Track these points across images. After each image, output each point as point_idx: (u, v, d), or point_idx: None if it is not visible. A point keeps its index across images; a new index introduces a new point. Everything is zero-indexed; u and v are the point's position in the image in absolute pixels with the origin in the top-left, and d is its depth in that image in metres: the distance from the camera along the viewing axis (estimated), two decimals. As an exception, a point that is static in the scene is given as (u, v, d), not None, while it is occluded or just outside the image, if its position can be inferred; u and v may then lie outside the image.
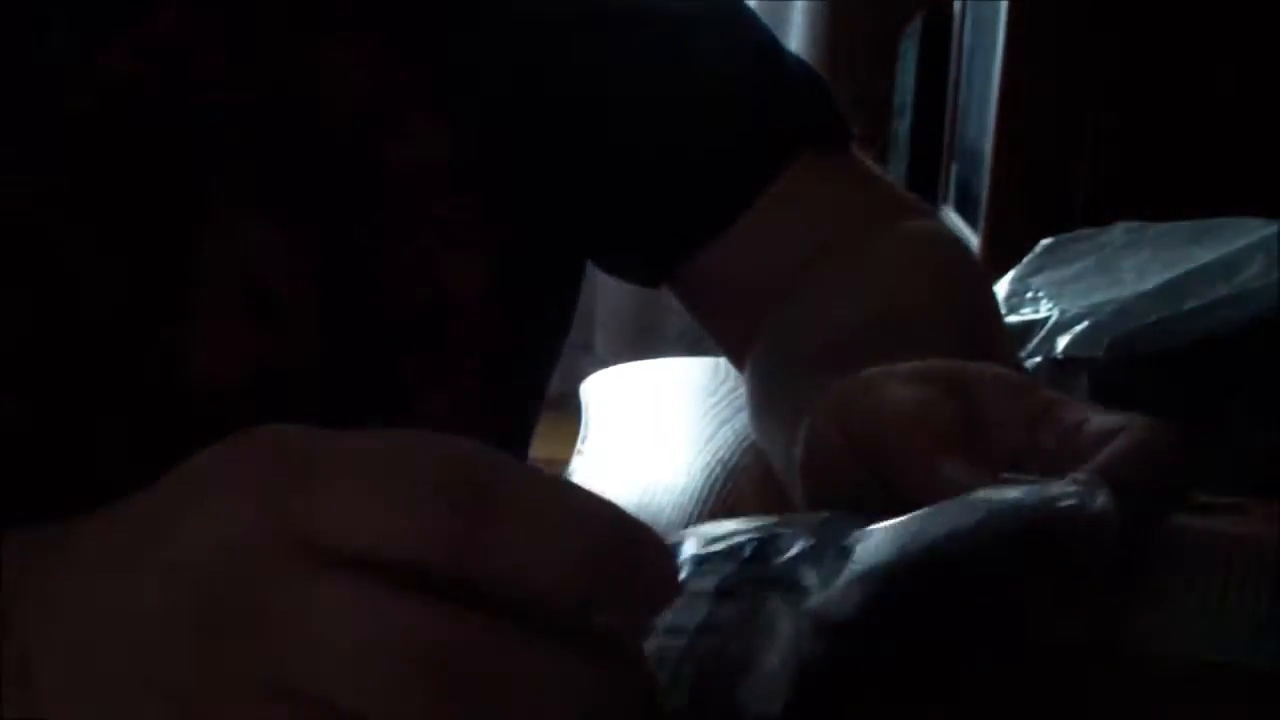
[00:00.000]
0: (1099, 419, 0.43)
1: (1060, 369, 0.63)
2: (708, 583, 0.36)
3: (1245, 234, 0.69)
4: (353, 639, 0.27)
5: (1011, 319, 0.70)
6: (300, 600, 0.27)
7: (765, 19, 0.66)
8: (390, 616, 0.27)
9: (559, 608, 0.28)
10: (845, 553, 0.36)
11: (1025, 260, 0.80)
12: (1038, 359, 0.65)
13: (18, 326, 0.47)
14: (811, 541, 0.37)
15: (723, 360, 0.70)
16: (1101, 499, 0.38)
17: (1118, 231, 0.79)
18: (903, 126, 2.65)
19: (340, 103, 0.52)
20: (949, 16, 2.37)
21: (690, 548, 0.38)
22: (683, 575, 0.36)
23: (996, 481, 0.40)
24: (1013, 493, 0.38)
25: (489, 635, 0.27)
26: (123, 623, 0.29)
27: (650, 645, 0.33)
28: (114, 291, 0.48)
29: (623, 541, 0.28)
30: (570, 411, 0.84)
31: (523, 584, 0.27)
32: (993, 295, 0.66)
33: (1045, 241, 0.81)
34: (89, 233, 0.48)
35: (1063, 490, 0.39)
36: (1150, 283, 0.66)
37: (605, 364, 0.96)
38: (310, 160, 0.52)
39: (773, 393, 0.57)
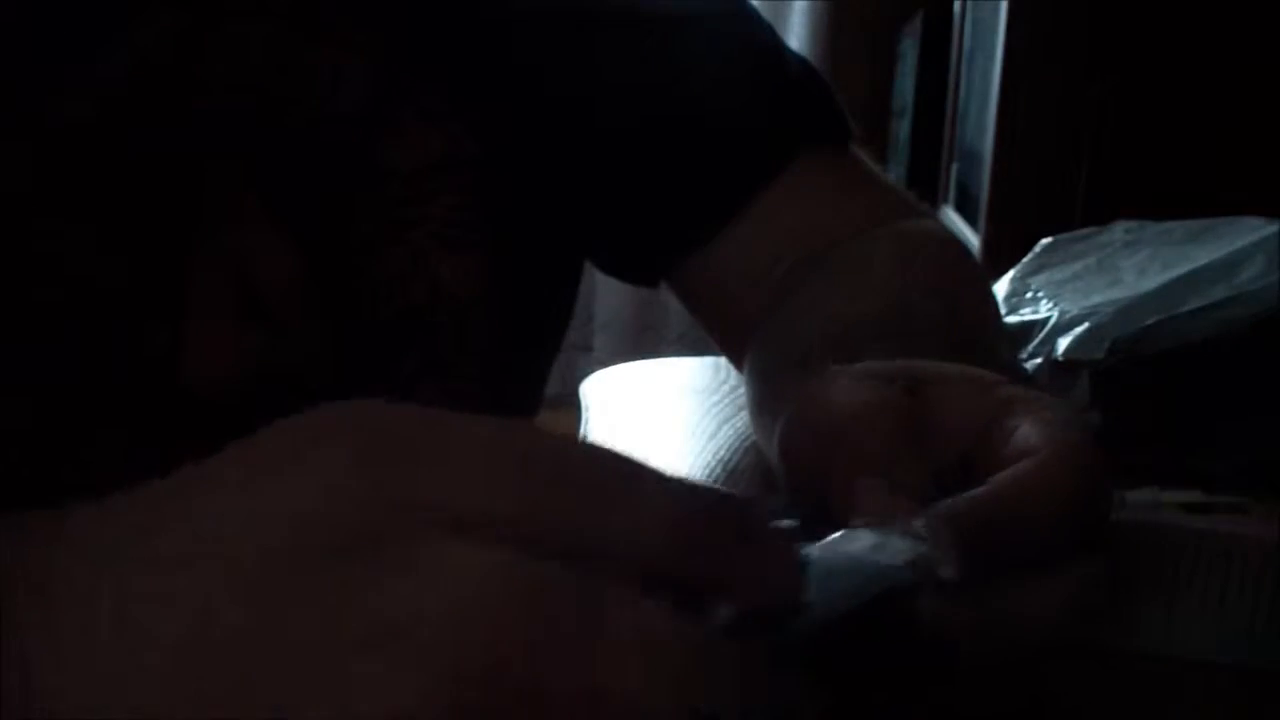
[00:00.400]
0: (1025, 431, 0.41)
1: (1061, 370, 0.63)
2: None
3: (1245, 234, 0.69)
4: (500, 596, 0.26)
5: (1011, 319, 0.70)
6: (434, 555, 0.26)
7: (765, 18, 0.66)
8: (531, 574, 0.26)
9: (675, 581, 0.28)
10: None
11: (1025, 260, 0.80)
12: (1038, 360, 0.65)
13: (14, 326, 0.47)
14: None
15: (723, 360, 0.70)
16: (939, 571, 0.36)
17: (1118, 231, 0.79)
18: (903, 127, 2.65)
19: (337, 103, 0.52)
20: (949, 16, 2.37)
21: None
22: None
23: (908, 509, 0.38)
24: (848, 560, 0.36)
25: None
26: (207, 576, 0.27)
27: None
28: (111, 291, 0.48)
29: (735, 521, 0.28)
30: (570, 411, 0.84)
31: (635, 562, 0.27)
32: (991, 295, 0.66)
33: (1045, 241, 0.81)
34: (87, 233, 0.48)
35: (890, 567, 0.36)
36: (1150, 283, 0.66)
37: (605, 364, 0.96)
38: (307, 160, 0.52)
39: (771, 392, 0.57)
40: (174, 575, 0.27)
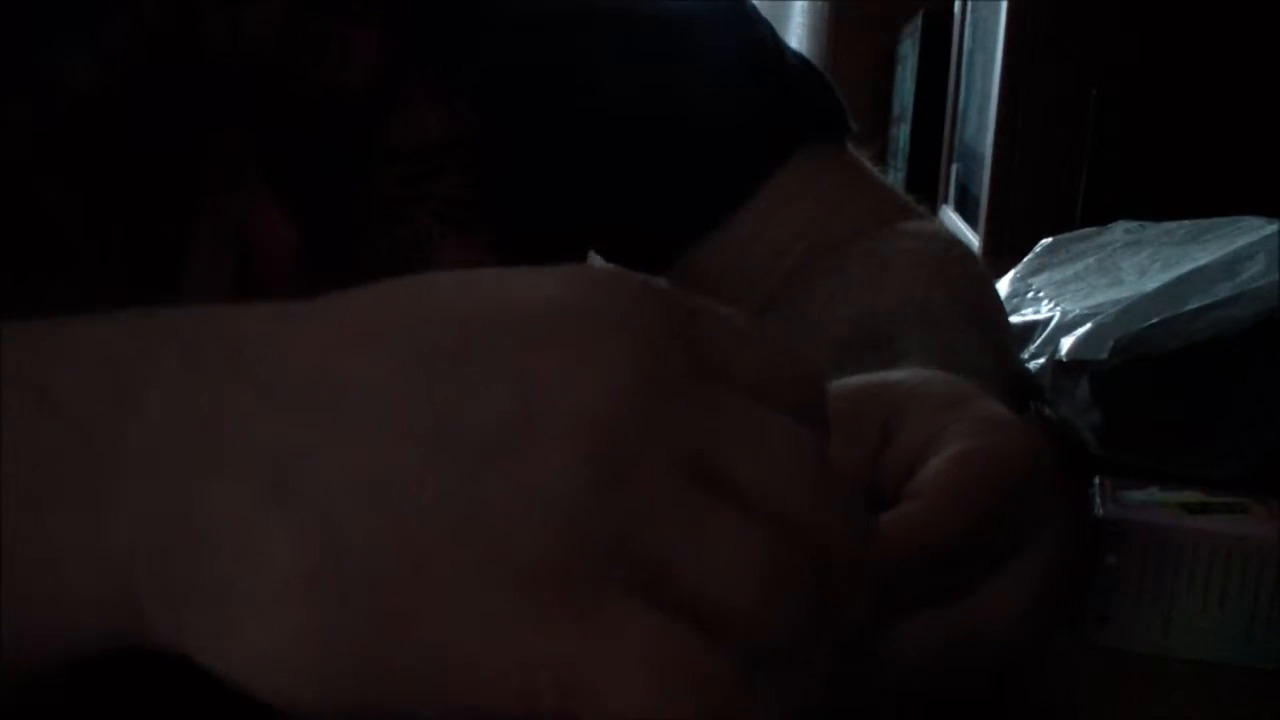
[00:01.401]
0: (937, 466, 0.39)
1: (1063, 371, 0.63)
2: None
3: (1245, 234, 0.69)
4: (794, 464, 0.27)
5: (1013, 319, 0.70)
6: (740, 406, 0.27)
7: (765, 17, 0.67)
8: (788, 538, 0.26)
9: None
10: None
11: (1025, 260, 0.80)
12: (1041, 360, 0.65)
13: (11, 293, 0.47)
14: None
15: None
16: None
17: (1118, 231, 0.79)
18: (903, 127, 2.65)
19: (342, 78, 0.52)
20: (949, 16, 2.37)
21: None
22: None
23: None
24: None
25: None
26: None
27: None
28: (109, 260, 0.48)
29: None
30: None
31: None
32: (998, 294, 0.66)
33: (1045, 241, 0.81)
34: (85, 201, 0.48)
35: None
36: (1151, 283, 0.66)
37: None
38: (310, 133, 0.51)
39: None
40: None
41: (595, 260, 0.66)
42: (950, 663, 0.38)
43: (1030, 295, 0.72)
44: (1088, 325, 0.64)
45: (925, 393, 0.43)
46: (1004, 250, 1.29)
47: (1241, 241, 0.68)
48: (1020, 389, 0.66)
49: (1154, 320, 0.62)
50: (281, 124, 0.51)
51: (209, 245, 0.50)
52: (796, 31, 2.88)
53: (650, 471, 0.26)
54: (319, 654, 0.25)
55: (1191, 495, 0.52)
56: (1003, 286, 0.76)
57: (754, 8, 0.66)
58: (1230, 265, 0.65)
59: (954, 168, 2.31)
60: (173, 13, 0.48)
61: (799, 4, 2.90)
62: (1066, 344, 0.64)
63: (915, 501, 0.38)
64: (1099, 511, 0.51)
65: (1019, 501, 0.39)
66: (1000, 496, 0.38)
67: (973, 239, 1.98)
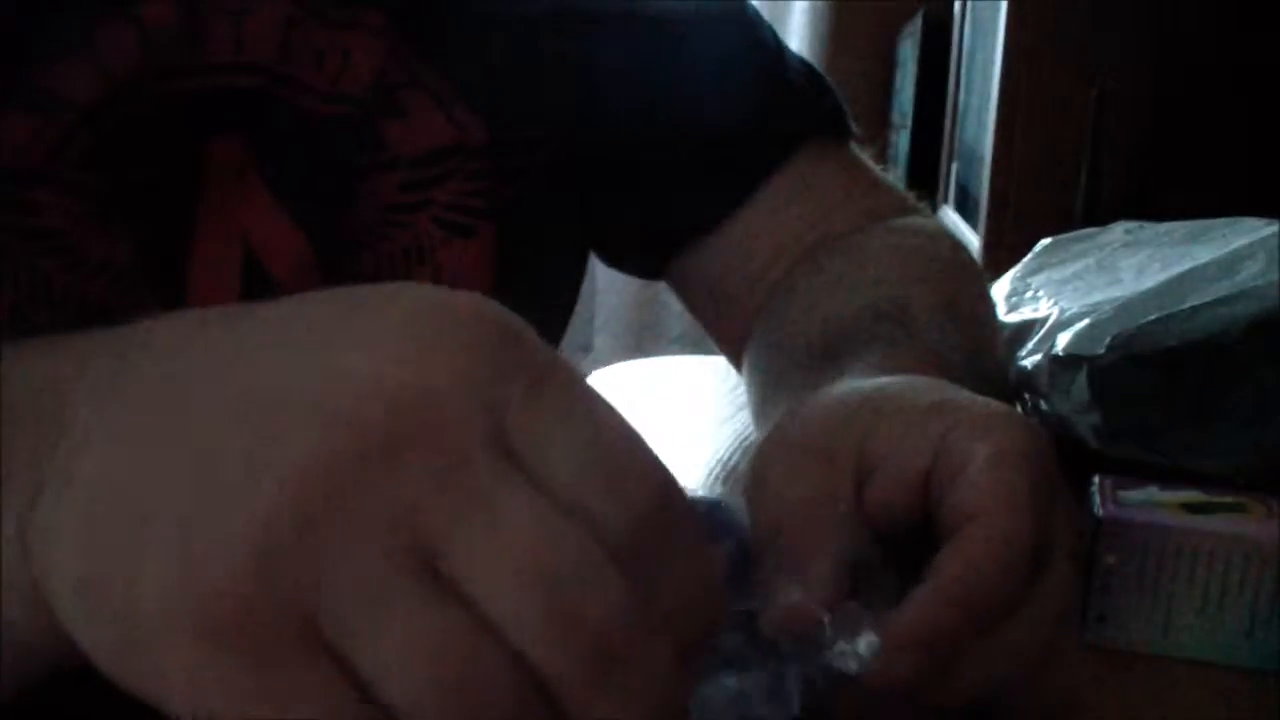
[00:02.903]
0: (968, 482, 0.39)
1: (1060, 366, 0.63)
2: None
3: (1245, 234, 0.69)
4: (528, 556, 0.26)
5: (1011, 318, 0.70)
6: (485, 486, 0.26)
7: (765, 18, 0.67)
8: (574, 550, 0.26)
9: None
10: None
11: (1025, 260, 0.80)
12: (1038, 356, 0.65)
13: (16, 299, 0.47)
14: None
15: (723, 360, 0.70)
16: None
17: (1118, 231, 0.79)
18: (902, 126, 2.65)
19: (343, 84, 0.52)
20: (949, 16, 2.37)
21: None
22: None
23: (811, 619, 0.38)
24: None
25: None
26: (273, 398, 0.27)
27: None
28: (113, 267, 0.48)
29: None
30: (570, 411, 0.84)
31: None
32: (987, 291, 0.66)
33: (1045, 241, 0.81)
34: (90, 210, 0.48)
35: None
36: (1150, 282, 0.66)
37: (605, 364, 0.96)
38: (312, 141, 0.52)
39: (772, 388, 0.57)
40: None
41: (595, 261, 0.66)
42: (993, 687, 0.39)
43: (1029, 294, 0.72)
44: (1085, 321, 0.64)
45: (899, 404, 0.43)
46: (1004, 250, 1.29)
47: (1240, 242, 0.67)
48: (1005, 386, 0.66)
49: (1152, 317, 0.62)
50: (283, 133, 0.51)
51: (213, 253, 0.50)
52: (796, 32, 2.88)
53: (352, 539, 0.26)
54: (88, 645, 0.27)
55: (1191, 495, 0.52)
56: (1002, 286, 0.76)
57: (755, 10, 0.66)
58: (1229, 264, 0.65)
59: (954, 168, 2.31)
60: (175, 24, 0.48)
61: (799, 4, 2.90)
62: (1063, 339, 0.64)
63: (977, 522, 0.38)
64: (1098, 511, 0.51)
65: (1054, 501, 0.40)
66: (1041, 530, 0.39)
67: (973, 239, 1.98)
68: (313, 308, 0.30)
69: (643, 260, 0.66)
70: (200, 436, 0.27)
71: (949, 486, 0.40)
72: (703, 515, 0.41)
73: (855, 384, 0.46)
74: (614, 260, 0.66)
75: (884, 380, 0.46)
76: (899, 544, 0.41)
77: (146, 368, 0.30)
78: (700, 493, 0.43)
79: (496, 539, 0.26)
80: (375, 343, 0.28)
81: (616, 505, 0.27)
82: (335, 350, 0.28)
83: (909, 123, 2.58)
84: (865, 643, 0.37)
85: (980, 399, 0.44)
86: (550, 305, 0.63)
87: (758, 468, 0.44)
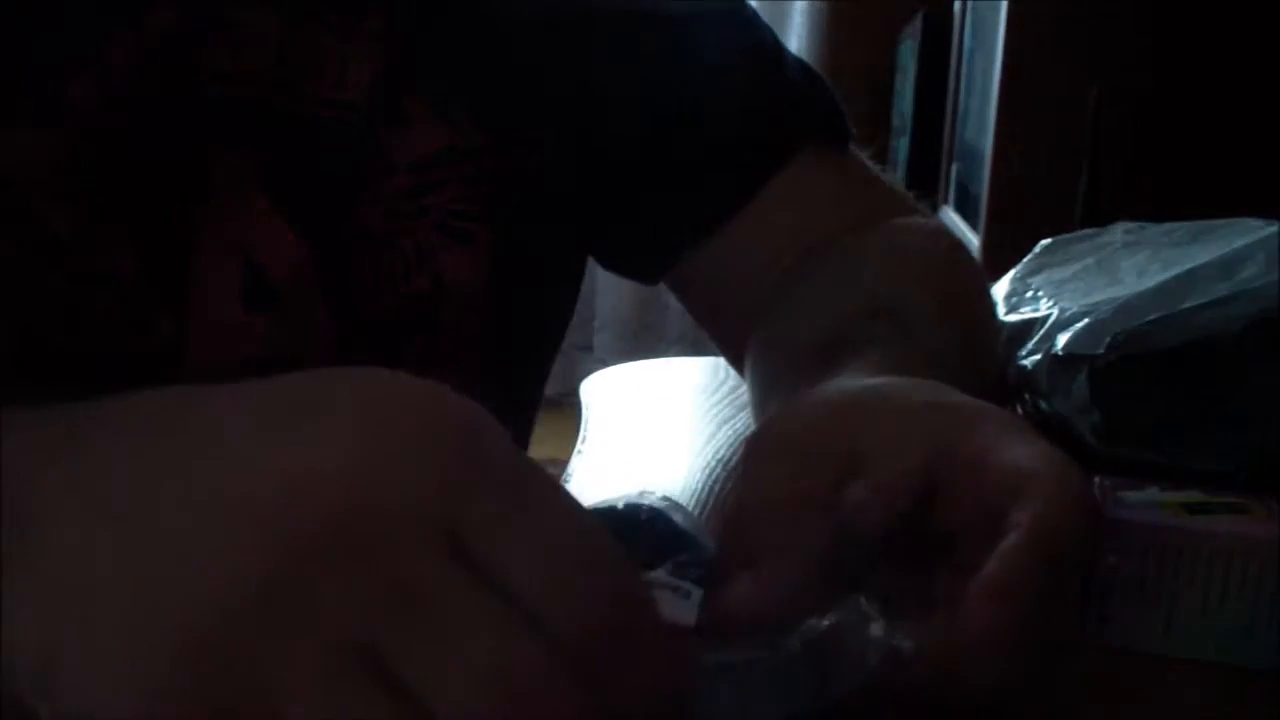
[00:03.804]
0: (1009, 481, 0.39)
1: (1060, 366, 0.63)
2: None
3: (1245, 234, 0.69)
4: (476, 659, 0.26)
5: (1011, 318, 0.70)
6: (432, 593, 0.26)
7: (765, 19, 0.67)
8: (514, 654, 0.26)
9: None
10: None
11: (1025, 260, 0.80)
12: (1037, 356, 0.65)
13: (19, 315, 0.47)
14: None
15: (723, 360, 0.70)
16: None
17: (1118, 231, 0.79)
18: (902, 127, 2.65)
19: (342, 92, 0.52)
20: (949, 16, 2.37)
21: None
22: None
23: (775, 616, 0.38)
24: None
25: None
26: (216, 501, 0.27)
27: None
28: (116, 280, 0.48)
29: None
30: (570, 411, 0.84)
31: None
32: (986, 289, 0.66)
33: (1045, 241, 0.81)
34: (92, 221, 0.48)
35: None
36: (1150, 282, 0.66)
37: (605, 364, 0.96)
38: (312, 149, 0.52)
39: (771, 389, 0.57)
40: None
41: (595, 264, 0.66)
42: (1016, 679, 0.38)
43: (1029, 294, 0.72)
44: (1084, 321, 0.64)
45: (893, 404, 0.43)
46: (1004, 250, 1.29)
47: (1240, 242, 0.67)
48: (1003, 385, 0.66)
49: (1152, 317, 0.62)
50: (282, 142, 0.51)
51: (215, 265, 0.50)
52: (796, 32, 2.88)
53: (295, 646, 0.26)
54: None
55: (1191, 495, 0.52)
56: (1002, 286, 0.76)
57: (754, 12, 0.66)
58: (1229, 265, 0.65)
59: (954, 168, 2.31)
60: (174, 35, 0.48)
61: (799, 4, 2.90)
62: (1063, 339, 0.64)
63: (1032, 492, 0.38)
64: (1098, 511, 0.51)
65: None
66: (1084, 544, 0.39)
67: (973, 239, 1.98)
68: (267, 398, 0.30)
69: (641, 264, 0.66)
70: (146, 538, 0.27)
71: (973, 497, 0.40)
72: (647, 523, 0.41)
73: (848, 383, 0.46)
74: (612, 264, 0.66)
75: (878, 380, 0.46)
76: (884, 545, 0.41)
77: (113, 460, 0.30)
78: (652, 498, 0.42)
79: (444, 645, 0.26)
80: (324, 444, 0.28)
81: (573, 611, 0.27)
82: (282, 450, 0.28)
83: (909, 127, 2.58)
84: (874, 632, 0.37)
85: (973, 400, 0.43)
86: (549, 309, 0.63)
87: (744, 463, 0.44)
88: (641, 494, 0.42)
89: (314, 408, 0.29)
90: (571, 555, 0.28)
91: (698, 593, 0.38)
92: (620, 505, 0.41)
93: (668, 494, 0.44)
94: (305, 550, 0.26)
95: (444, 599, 0.26)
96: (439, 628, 0.26)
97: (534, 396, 0.64)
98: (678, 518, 0.42)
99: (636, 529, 0.41)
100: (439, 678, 0.26)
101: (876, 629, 0.37)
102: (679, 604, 0.37)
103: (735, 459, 0.70)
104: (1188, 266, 0.66)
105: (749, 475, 0.44)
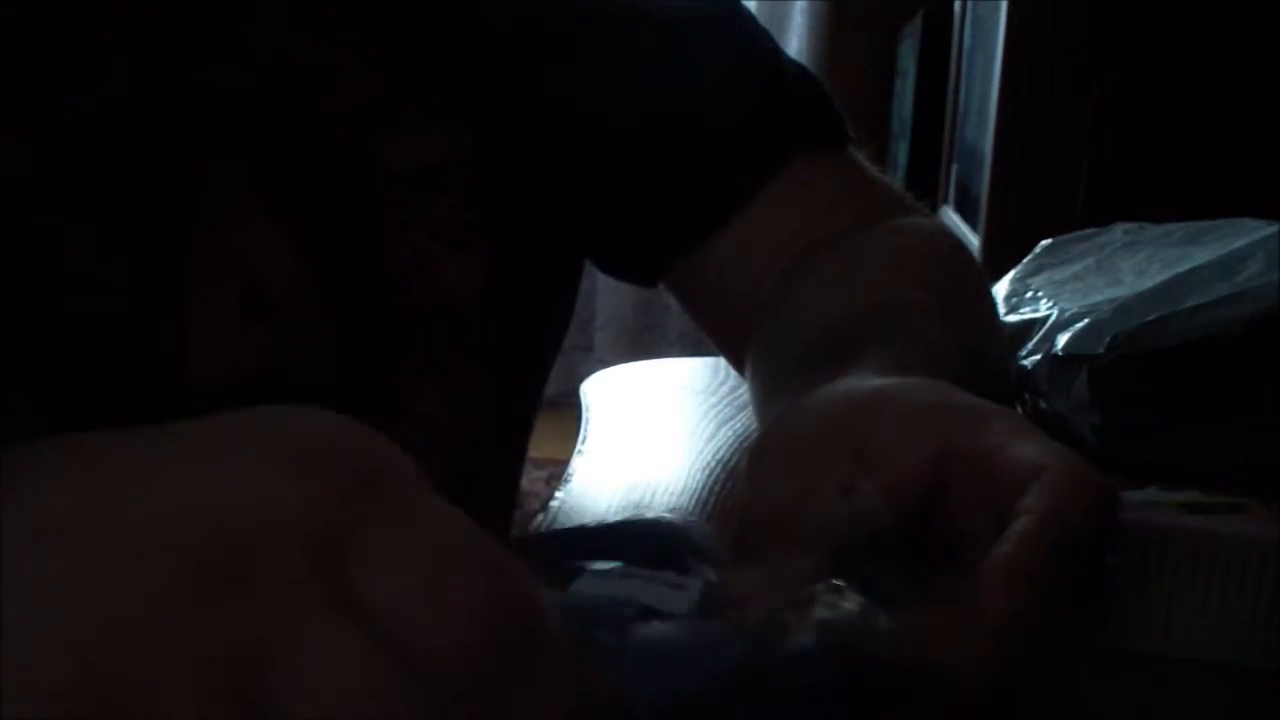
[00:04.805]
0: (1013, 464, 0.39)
1: (1060, 366, 0.63)
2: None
3: (1245, 234, 0.69)
4: (324, 684, 0.26)
5: (1011, 318, 0.70)
6: (303, 624, 0.26)
7: (765, 19, 0.67)
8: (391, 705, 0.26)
9: None
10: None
11: (1025, 260, 0.80)
12: (1037, 356, 0.65)
13: (16, 325, 0.47)
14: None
15: (723, 360, 0.70)
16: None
17: (1118, 231, 0.79)
18: (902, 127, 2.65)
19: (338, 101, 0.52)
20: (949, 16, 2.37)
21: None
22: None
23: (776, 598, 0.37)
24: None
25: None
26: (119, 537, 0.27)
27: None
28: (113, 291, 0.48)
29: None
30: (570, 411, 0.84)
31: None
32: (987, 289, 0.66)
33: (1045, 242, 0.81)
34: (88, 232, 0.48)
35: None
36: (1150, 282, 0.66)
37: (605, 364, 0.96)
38: (308, 158, 0.52)
39: (772, 389, 0.57)
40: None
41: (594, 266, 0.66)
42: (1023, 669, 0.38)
43: (1029, 295, 0.72)
44: (1084, 321, 0.64)
45: (898, 405, 0.43)
46: (1004, 250, 1.29)
47: (1240, 242, 0.67)
48: (1005, 385, 0.66)
49: (1151, 317, 0.62)
50: (278, 152, 0.51)
51: (213, 274, 0.50)
52: (796, 31, 2.88)
53: (167, 674, 0.26)
54: None
55: (1191, 495, 0.52)
56: (1002, 286, 0.76)
57: (750, 15, 0.66)
58: (1229, 265, 0.65)
59: (954, 168, 2.31)
60: (169, 45, 0.48)
61: (799, 4, 2.90)
62: (1063, 339, 0.64)
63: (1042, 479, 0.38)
64: (1098, 511, 0.51)
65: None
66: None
67: (973, 239, 1.98)
68: (191, 437, 0.30)
69: (640, 267, 0.66)
70: (58, 556, 0.27)
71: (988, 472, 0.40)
72: (660, 532, 0.41)
73: (855, 384, 0.46)
74: (612, 268, 0.66)
75: (885, 380, 0.46)
76: (892, 544, 0.41)
77: (47, 487, 0.30)
78: (669, 515, 0.42)
79: (310, 678, 0.26)
80: (226, 477, 0.28)
81: (453, 645, 0.27)
82: (185, 482, 0.28)
83: (909, 127, 2.58)
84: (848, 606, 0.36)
85: (979, 400, 0.44)
86: (547, 314, 0.63)
87: (750, 464, 0.44)
88: (659, 515, 0.42)
89: (228, 446, 0.29)
90: (455, 587, 0.27)
91: (696, 584, 0.37)
92: (638, 519, 0.41)
93: (670, 496, 0.44)
94: (189, 575, 0.26)
95: (308, 628, 0.26)
96: (298, 656, 0.26)
97: (534, 400, 0.64)
98: (694, 533, 0.42)
99: (645, 537, 0.41)
100: (292, 702, 0.26)
101: (851, 604, 0.36)
102: (671, 594, 0.36)
103: (736, 459, 0.70)
104: (1188, 266, 0.66)
105: (757, 475, 0.44)
